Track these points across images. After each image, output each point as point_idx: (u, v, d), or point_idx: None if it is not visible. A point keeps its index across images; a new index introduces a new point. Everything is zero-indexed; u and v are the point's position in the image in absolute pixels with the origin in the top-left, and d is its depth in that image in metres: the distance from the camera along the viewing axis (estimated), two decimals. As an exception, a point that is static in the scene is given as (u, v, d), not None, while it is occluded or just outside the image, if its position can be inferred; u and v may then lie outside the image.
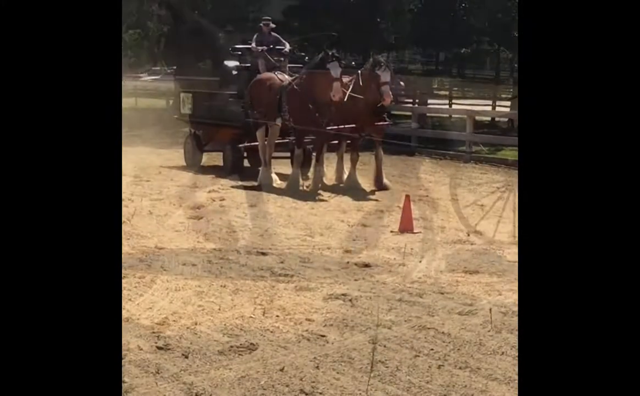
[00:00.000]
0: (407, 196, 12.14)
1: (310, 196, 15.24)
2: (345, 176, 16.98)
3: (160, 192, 15.43)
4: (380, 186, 16.55)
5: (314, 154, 16.93)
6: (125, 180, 17.05)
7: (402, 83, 46.12)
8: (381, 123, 16.98)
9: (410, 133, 25.36)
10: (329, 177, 17.23)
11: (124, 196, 14.70)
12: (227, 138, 19.14)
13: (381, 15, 34.37)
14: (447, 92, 46.90)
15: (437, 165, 21.75)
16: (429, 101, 37.96)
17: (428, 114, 33.16)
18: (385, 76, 16.19)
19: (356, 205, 14.28)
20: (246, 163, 18.73)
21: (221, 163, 19.20)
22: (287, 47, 18.75)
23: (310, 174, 17.01)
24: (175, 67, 46.08)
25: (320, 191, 15.77)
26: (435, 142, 25.01)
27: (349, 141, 17.16)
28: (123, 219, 12.41)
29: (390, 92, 16.53)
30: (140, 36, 62.18)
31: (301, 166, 16.75)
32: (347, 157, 17.14)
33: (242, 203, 14.27)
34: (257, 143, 17.30)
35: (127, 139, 28.28)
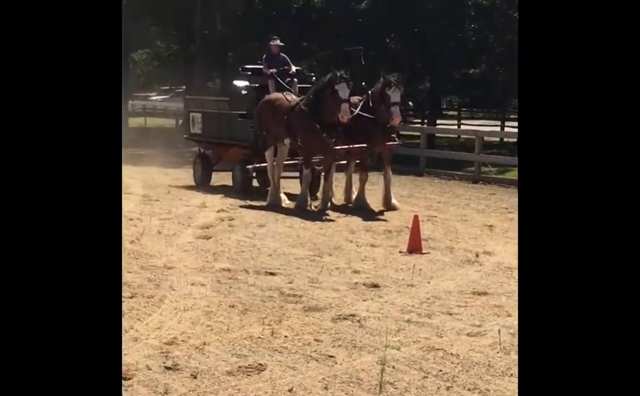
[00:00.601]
0: (416, 217, 12.13)
1: (319, 216, 15.24)
2: (354, 197, 16.97)
3: (169, 212, 15.45)
4: (388, 206, 16.55)
5: (323, 174, 16.95)
6: (134, 199, 17.16)
7: (411, 104, 46.15)
8: (391, 143, 16.98)
9: (419, 153, 25.34)
10: (338, 197, 17.24)
11: (132, 215, 14.77)
12: (237, 158, 19.24)
13: (391, 35, 34.47)
14: (455, 112, 47.02)
15: (446, 185, 21.74)
16: (438, 121, 38.03)
17: (437, 134, 33.22)
18: (395, 96, 16.16)
19: (365, 225, 14.28)
20: (255, 183, 18.77)
21: (230, 183, 19.22)
22: (293, 68, 18.83)
23: (319, 194, 17.03)
24: (184, 87, 46.46)
25: (328, 211, 15.77)
26: (444, 162, 25.01)
27: (358, 161, 17.17)
28: (132, 238, 12.47)
29: (400, 113, 16.53)
30: (150, 56, 62.48)
31: (310, 186, 16.77)
32: (356, 178, 17.14)
33: (251, 223, 14.28)
34: (266, 164, 17.33)
35: (136, 158, 28.50)
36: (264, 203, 16.56)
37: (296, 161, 17.68)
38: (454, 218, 15.53)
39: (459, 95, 48.62)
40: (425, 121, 38.27)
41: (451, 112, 49.62)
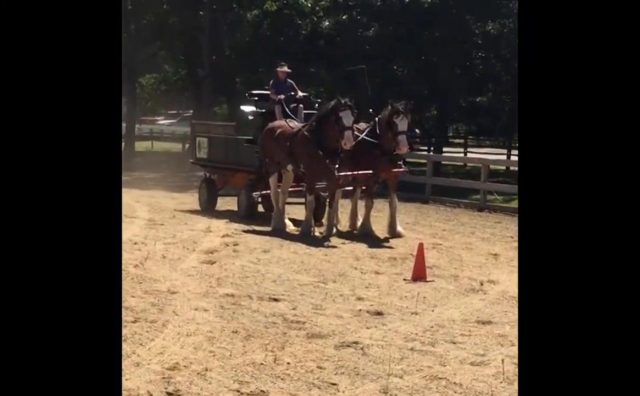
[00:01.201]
0: (421, 244, 12.10)
1: (323, 242, 15.22)
2: (359, 223, 16.94)
3: (174, 236, 15.45)
4: (393, 233, 16.52)
5: (328, 200, 16.95)
6: (140, 223, 17.17)
7: (417, 131, 46.17)
8: (397, 170, 16.98)
9: (425, 181, 25.33)
10: (343, 223, 17.22)
11: (137, 239, 14.78)
12: (242, 183, 19.26)
13: (398, 62, 34.53)
14: (462, 140, 47.05)
15: (451, 213, 21.71)
16: (444, 149, 38.03)
17: (443, 162, 33.21)
18: (402, 125, 16.18)
19: (369, 252, 14.25)
20: (260, 208, 18.78)
21: (235, 208, 19.23)
22: (300, 94, 18.87)
23: (325, 220, 17.02)
24: (191, 112, 46.56)
25: (333, 238, 15.76)
26: (450, 190, 25.00)
27: (364, 187, 17.16)
28: (136, 262, 12.46)
29: (407, 142, 16.54)
30: (157, 80, 62.67)
31: (315, 212, 16.77)
32: (361, 204, 17.13)
33: (256, 248, 14.27)
34: (268, 192, 17.38)
35: (142, 182, 28.54)
36: (269, 228, 16.57)
37: (301, 188, 17.69)
38: (459, 246, 15.50)
39: (465, 123, 48.65)
40: (432, 148, 38.27)
41: (457, 140, 49.68)
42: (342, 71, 31.41)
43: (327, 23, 36.38)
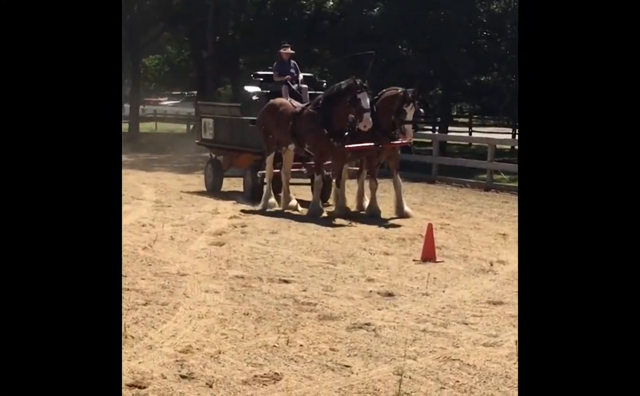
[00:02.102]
0: (430, 225, 12.08)
1: (331, 223, 15.20)
2: (366, 204, 16.90)
3: (181, 218, 15.44)
4: (401, 213, 16.49)
5: (335, 180, 16.92)
6: (147, 205, 17.17)
7: (422, 110, 45.87)
8: (395, 142, 16.83)
9: (431, 161, 25.30)
10: (350, 204, 17.17)
11: (145, 221, 14.77)
12: (248, 164, 19.28)
13: (403, 42, 34.43)
14: (466, 119, 46.98)
15: (458, 193, 21.69)
16: (449, 128, 37.96)
17: (448, 142, 33.16)
18: (410, 114, 16.21)
19: (378, 233, 14.23)
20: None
21: (241, 188, 19.22)
22: (301, 76, 18.89)
23: (331, 201, 17.02)
24: (195, 93, 46.53)
25: (341, 218, 15.74)
26: (456, 170, 24.96)
27: (366, 171, 17.10)
28: (145, 244, 12.45)
29: (412, 132, 16.64)
30: (161, 61, 62.61)
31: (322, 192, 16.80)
32: (366, 185, 17.09)
33: (264, 230, 14.25)
34: (278, 170, 17.33)
35: (147, 164, 28.56)
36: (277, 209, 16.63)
37: (301, 169, 17.90)
38: (467, 226, 15.47)
39: (470, 102, 48.54)
40: (437, 128, 38.21)
41: (461, 120, 49.60)
42: (346, 51, 31.31)
43: (331, 3, 36.31)
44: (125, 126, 46.30)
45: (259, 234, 13.80)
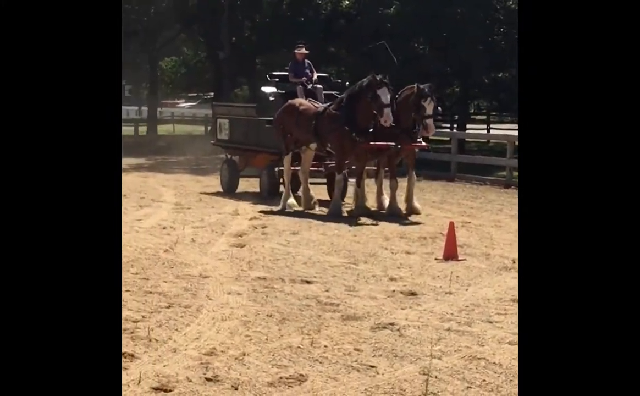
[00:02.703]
0: (451, 223, 12.02)
1: (352, 223, 15.16)
2: (386, 203, 16.87)
3: (202, 220, 15.44)
4: (410, 208, 16.52)
5: (355, 180, 16.89)
6: (167, 207, 17.21)
7: (439, 108, 45.87)
8: (417, 144, 16.95)
9: (450, 159, 25.25)
10: (370, 204, 17.15)
11: (166, 224, 14.80)
12: (264, 164, 19.36)
13: (419, 40, 34.38)
14: (483, 116, 46.85)
15: (478, 190, 21.63)
16: (467, 126, 37.88)
17: (467, 139, 33.08)
18: (429, 109, 16.23)
19: (399, 232, 14.19)
20: (282, 188, 18.79)
21: (257, 189, 19.28)
22: (315, 76, 18.93)
23: (350, 199, 17.02)
24: (212, 94, 46.60)
25: (361, 217, 15.71)
26: (475, 167, 24.89)
27: (387, 169, 17.10)
28: (166, 247, 12.45)
29: (433, 125, 16.67)
30: (177, 63, 62.72)
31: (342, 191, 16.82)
32: (386, 185, 17.07)
33: (284, 230, 14.24)
34: (297, 168, 17.38)
35: (166, 166, 28.63)
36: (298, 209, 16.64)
37: (319, 168, 18.01)
38: (488, 224, 15.42)
39: (487, 99, 48.41)
40: (455, 125, 38.12)
41: (479, 117, 49.48)
42: (363, 49, 31.32)
43: (347, 2, 36.27)
44: (143, 129, 46.48)
45: (280, 235, 13.79)
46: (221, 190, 20.28)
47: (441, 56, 33.23)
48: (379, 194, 17.29)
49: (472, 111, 51.22)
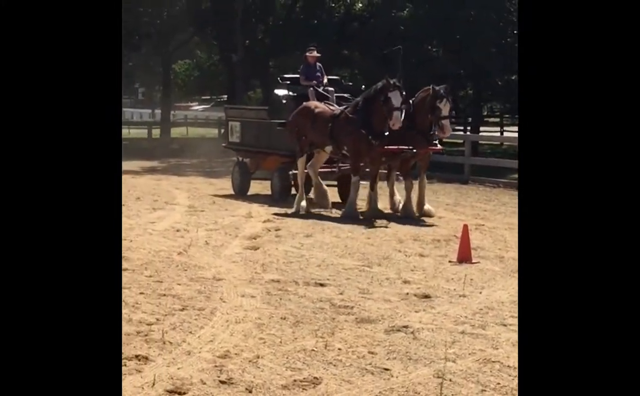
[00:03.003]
0: (465, 226, 12.00)
1: (365, 225, 15.16)
2: (400, 205, 16.87)
3: (215, 223, 15.45)
4: (421, 211, 16.56)
5: (365, 182, 16.96)
6: (180, 210, 17.22)
7: (453, 111, 45.73)
8: (433, 148, 17.03)
9: (464, 161, 25.22)
10: (383, 206, 17.13)
11: (179, 226, 14.80)
12: (275, 166, 19.44)
13: (432, 42, 34.34)
14: (497, 119, 46.73)
15: (491, 193, 21.59)
16: (481, 129, 37.82)
17: (480, 142, 33.03)
18: (445, 110, 16.36)
19: (412, 234, 14.17)
20: (293, 191, 18.87)
21: (269, 191, 19.41)
22: (326, 79, 19.02)
23: (361, 202, 17.04)
24: (226, 97, 46.66)
25: (375, 220, 15.71)
26: (488, 170, 24.86)
27: (398, 173, 17.20)
28: (180, 250, 12.46)
29: (450, 126, 16.78)
30: (191, 66, 62.85)
31: (345, 194, 17.04)
32: (400, 186, 17.08)
33: (298, 233, 14.23)
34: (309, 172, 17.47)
35: (179, 168, 28.65)
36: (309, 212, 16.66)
37: (332, 169, 18.12)
38: (502, 226, 15.40)
39: (500, 101, 48.30)
40: (468, 128, 38.06)
41: (492, 119, 49.36)
42: (376, 52, 31.30)
43: (360, 5, 36.25)
44: (156, 132, 46.57)
45: (293, 238, 13.78)
46: (233, 192, 20.30)
47: (454, 59, 33.16)
48: (392, 195, 17.29)
49: (486, 113, 51.10)
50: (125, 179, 24.42)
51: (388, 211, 16.97)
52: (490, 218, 16.57)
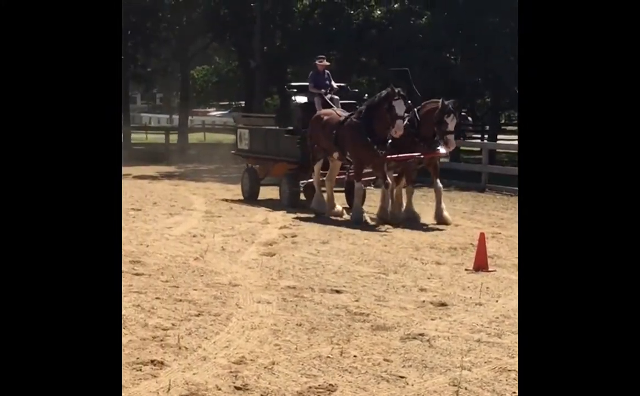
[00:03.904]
0: (482, 234, 11.97)
1: (382, 232, 15.16)
2: (403, 209, 17.20)
3: (232, 228, 15.47)
4: (440, 219, 16.64)
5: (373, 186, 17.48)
6: (197, 215, 17.25)
7: (469, 118, 45.72)
8: (434, 154, 17.23)
9: (481, 169, 25.18)
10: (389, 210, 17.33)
11: (196, 232, 14.83)
12: (283, 172, 19.78)
13: (451, 50, 34.31)
14: (514, 127, 46.62)
15: (509, 201, 21.51)
16: (498, 137, 37.74)
17: (498, 150, 32.94)
18: (452, 125, 16.56)
19: (429, 242, 14.15)
20: (302, 197, 19.35)
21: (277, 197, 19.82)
22: (335, 85, 19.38)
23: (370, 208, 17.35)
24: (243, 103, 46.74)
25: (390, 228, 15.71)
26: (506, 178, 24.80)
27: (396, 175, 17.53)
28: (196, 255, 12.48)
29: (454, 141, 17.02)
30: (209, 72, 62.94)
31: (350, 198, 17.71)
32: (404, 191, 17.37)
33: (314, 240, 14.24)
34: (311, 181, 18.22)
35: (197, 174, 28.70)
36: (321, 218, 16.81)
37: (342, 176, 18.37)
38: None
39: (518, 109, 48.25)
40: (486, 136, 37.99)
41: (510, 127, 49.25)
42: (394, 60, 31.25)
43: (378, 12, 36.21)
44: (174, 137, 46.64)
45: (310, 245, 13.78)
46: (254, 200, 20.39)
47: (472, 67, 33.11)
48: (396, 200, 17.44)
49: (503, 121, 51.02)
50: (143, 184, 24.56)
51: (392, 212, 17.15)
52: (507, 226, 16.51)
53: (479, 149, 29.41)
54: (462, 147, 34.25)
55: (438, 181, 17.10)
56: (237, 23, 41.45)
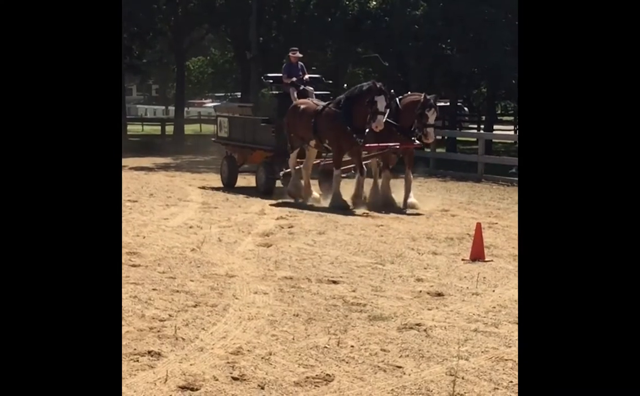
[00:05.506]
0: (479, 224, 11.98)
1: (379, 223, 15.18)
2: (379, 191, 17.99)
3: (228, 219, 15.48)
4: (406, 205, 17.28)
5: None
6: (194, 207, 17.25)
7: (466, 109, 45.75)
8: (412, 146, 17.99)
9: (477, 159, 25.19)
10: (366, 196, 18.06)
11: (192, 223, 14.83)
12: (260, 160, 20.58)
13: (447, 41, 34.29)
14: (510, 118, 46.66)
15: (505, 191, 21.53)
16: (495, 127, 37.76)
17: (494, 140, 32.96)
18: (432, 118, 17.54)
19: (426, 233, 14.16)
20: (279, 184, 19.78)
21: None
22: (307, 77, 20.20)
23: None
24: (239, 94, 46.71)
25: (386, 218, 15.74)
26: (502, 168, 24.83)
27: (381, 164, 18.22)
28: (193, 246, 12.48)
29: (434, 134, 18.15)
30: (205, 63, 62.85)
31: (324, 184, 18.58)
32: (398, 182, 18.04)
33: (311, 230, 14.25)
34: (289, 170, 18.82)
35: (193, 165, 28.65)
36: (321, 210, 16.91)
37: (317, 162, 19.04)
38: (515, 225, 15.30)
39: (514, 100, 48.23)
40: (482, 126, 37.99)
41: (506, 118, 49.29)
42: (391, 50, 31.29)
43: (374, 3, 36.18)
44: (170, 128, 46.62)
45: (306, 235, 13.79)
46: (250, 190, 20.45)
47: (468, 57, 33.09)
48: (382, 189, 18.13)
49: (499, 112, 51.02)
50: (139, 175, 24.55)
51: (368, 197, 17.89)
52: (504, 216, 16.55)
53: (475, 139, 29.38)
54: (458, 138, 34.26)
55: (410, 172, 17.79)
56: (233, 14, 41.39)
